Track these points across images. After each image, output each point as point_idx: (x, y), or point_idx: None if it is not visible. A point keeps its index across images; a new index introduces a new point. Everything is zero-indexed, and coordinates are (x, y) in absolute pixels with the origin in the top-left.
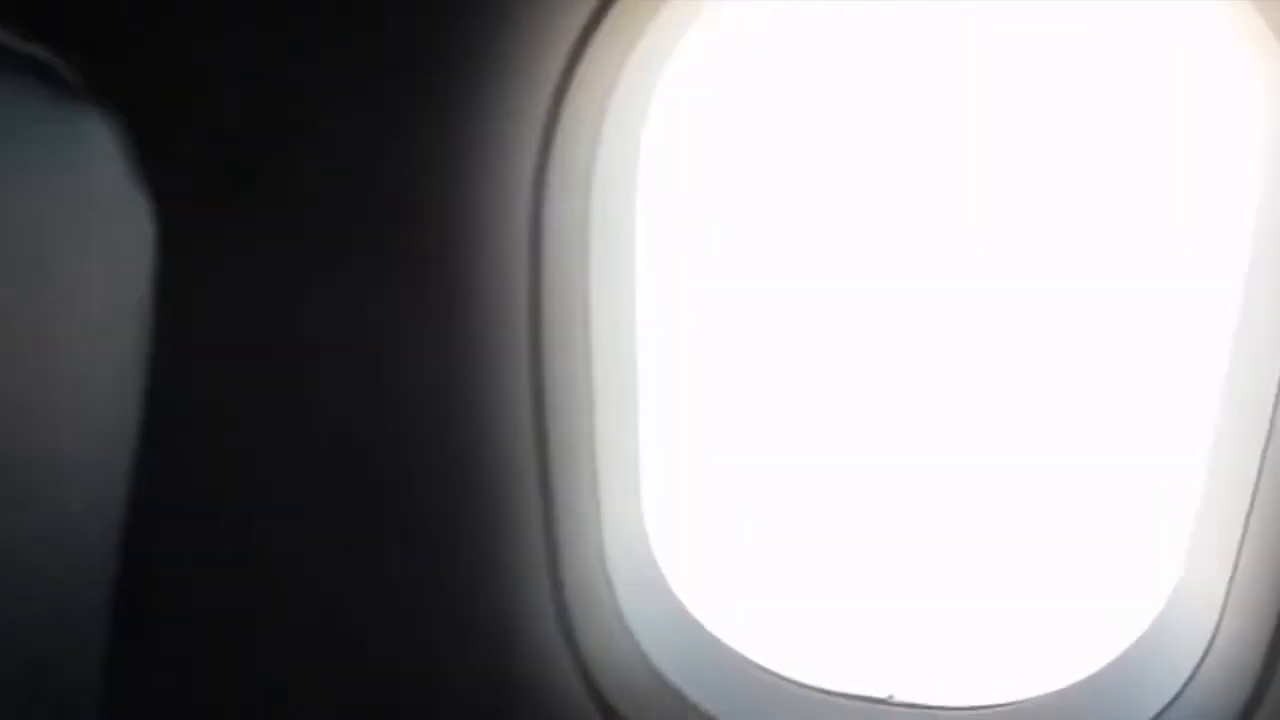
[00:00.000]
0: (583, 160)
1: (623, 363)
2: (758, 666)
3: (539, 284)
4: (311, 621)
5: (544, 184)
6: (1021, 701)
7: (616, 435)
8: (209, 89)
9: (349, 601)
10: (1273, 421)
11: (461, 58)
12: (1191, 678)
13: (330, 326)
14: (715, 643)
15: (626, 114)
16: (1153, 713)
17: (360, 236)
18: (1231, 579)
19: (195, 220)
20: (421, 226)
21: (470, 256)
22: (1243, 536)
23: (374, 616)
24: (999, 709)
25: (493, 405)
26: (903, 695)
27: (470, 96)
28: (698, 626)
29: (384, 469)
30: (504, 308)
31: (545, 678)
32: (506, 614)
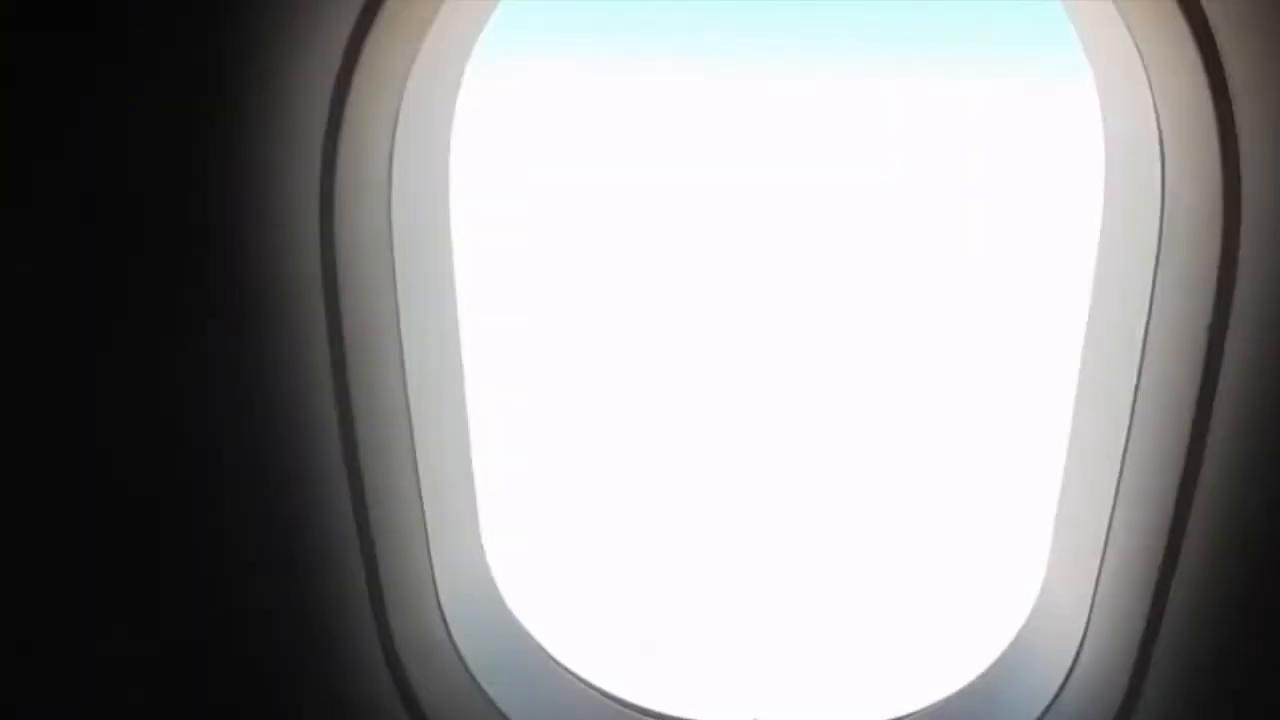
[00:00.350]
0: (375, 168)
1: (444, 376)
2: (607, 695)
3: (337, 295)
4: (142, 640)
5: (331, 195)
6: None
7: (442, 456)
8: None
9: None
10: (1129, 432)
11: (234, 63)
12: (1059, 693)
13: (114, 352)
14: (558, 671)
15: (421, 118)
16: None
17: (133, 248)
18: (1095, 591)
19: None
20: (205, 241)
21: (262, 273)
22: (1104, 548)
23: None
24: None
25: (296, 427)
26: None
27: (246, 104)
28: (539, 653)
29: (185, 492)
30: (302, 316)
31: (371, 707)
32: (328, 642)
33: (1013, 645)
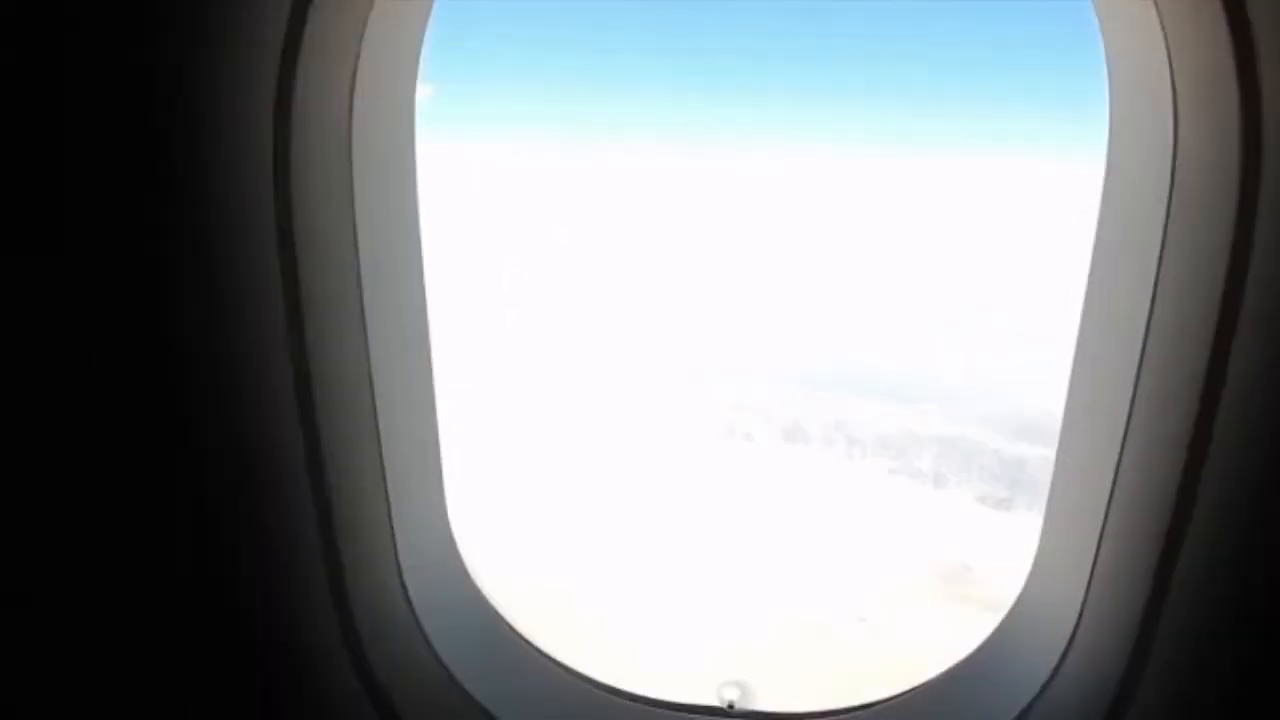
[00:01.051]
0: (332, 142)
1: (410, 351)
2: (571, 671)
3: (294, 253)
4: (87, 620)
5: (287, 141)
6: (869, 706)
7: (406, 425)
8: None
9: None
10: (1130, 408)
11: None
12: (1049, 681)
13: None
14: (522, 646)
15: (383, 64)
16: (1013, 714)
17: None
18: (1090, 574)
19: None
20: (153, 195)
21: (213, 227)
22: (1101, 530)
23: (135, 619)
24: (845, 715)
25: (250, 392)
26: (743, 704)
27: (198, 39)
28: (503, 628)
29: (131, 460)
30: (258, 277)
31: (330, 690)
32: (285, 617)
33: (1000, 629)
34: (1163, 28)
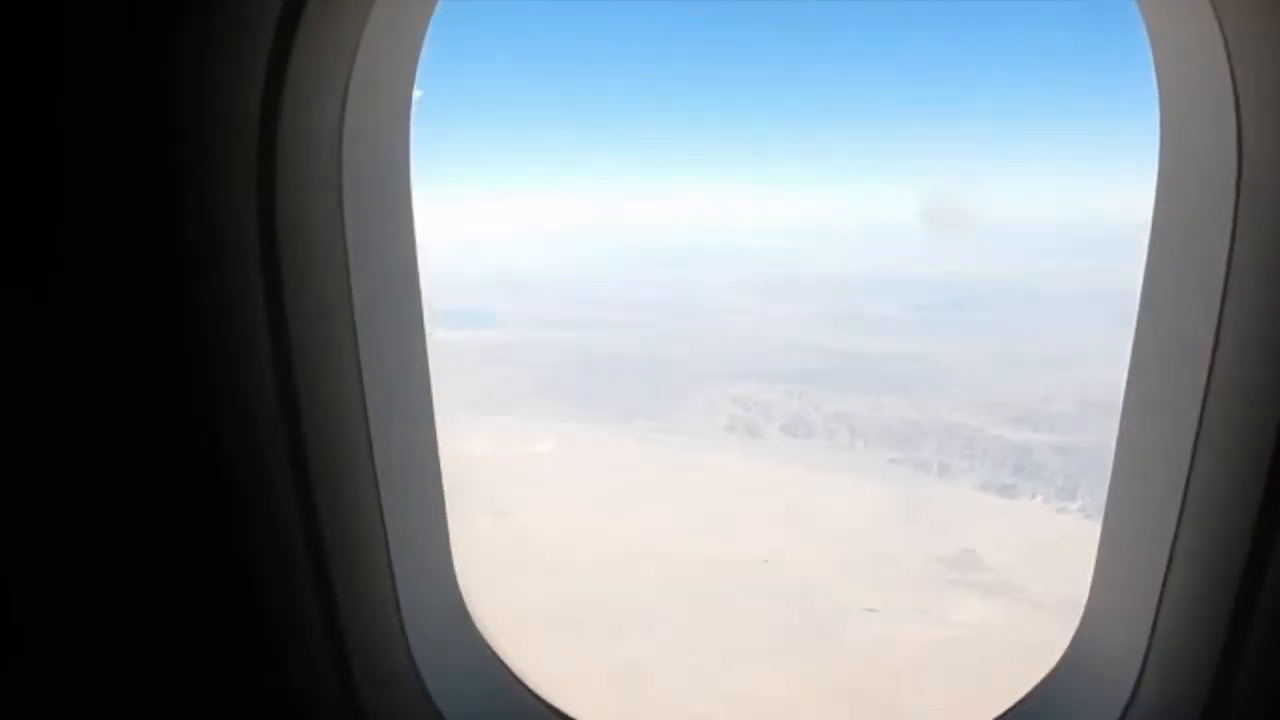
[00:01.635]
0: (324, 150)
1: (409, 384)
2: None
3: (279, 268)
4: (82, 647)
5: (273, 148)
6: None
7: (405, 458)
8: None
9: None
10: (1199, 424)
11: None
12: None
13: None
14: (532, 703)
15: (376, 84)
16: None
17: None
18: (1157, 613)
19: None
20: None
21: (200, 237)
22: (1168, 563)
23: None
24: None
25: (247, 432)
26: None
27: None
28: (511, 683)
29: (112, 490)
30: (245, 283)
31: None
32: (283, 668)
33: (1057, 669)
34: (1220, 26)
